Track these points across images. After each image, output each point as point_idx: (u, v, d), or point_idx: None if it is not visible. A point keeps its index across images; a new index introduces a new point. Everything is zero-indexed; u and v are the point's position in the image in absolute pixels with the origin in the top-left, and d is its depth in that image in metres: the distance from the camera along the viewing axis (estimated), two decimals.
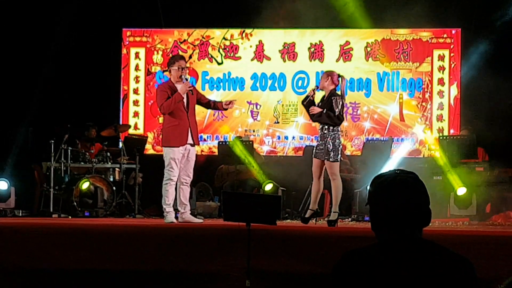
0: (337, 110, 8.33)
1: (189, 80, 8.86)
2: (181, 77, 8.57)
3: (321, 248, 6.12)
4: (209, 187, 11.73)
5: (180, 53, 12.81)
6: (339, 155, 8.45)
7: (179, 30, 12.90)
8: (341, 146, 8.51)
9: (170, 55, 12.84)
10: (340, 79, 8.55)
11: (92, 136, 11.66)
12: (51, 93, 12.23)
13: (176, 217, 8.79)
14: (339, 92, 8.51)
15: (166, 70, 12.85)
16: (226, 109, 9.07)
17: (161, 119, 12.85)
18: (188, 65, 12.78)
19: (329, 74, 8.58)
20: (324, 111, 8.37)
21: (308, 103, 8.56)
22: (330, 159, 8.38)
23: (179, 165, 8.56)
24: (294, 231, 7.73)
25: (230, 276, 5.34)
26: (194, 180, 9.99)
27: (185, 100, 8.55)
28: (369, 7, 12.04)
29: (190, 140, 8.54)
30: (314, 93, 8.61)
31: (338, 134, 8.44)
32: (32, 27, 12.33)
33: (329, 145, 8.35)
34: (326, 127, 8.41)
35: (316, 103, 8.56)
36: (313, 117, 8.60)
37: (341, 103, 8.39)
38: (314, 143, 12.05)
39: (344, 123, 12.51)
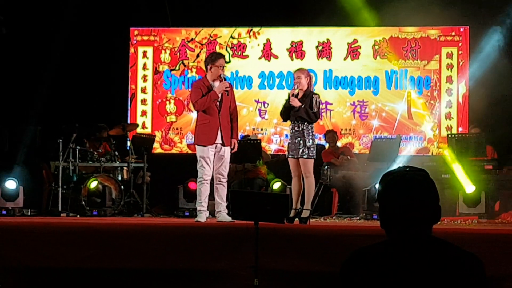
0: (316, 108, 8.34)
1: (228, 80, 8.78)
2: (220, 76, 8.55)
3: (329, 246, 6.11)
4: None
5: (188, 52, 12.84)
6: (314, 152, 8.43)
7: (186, 29, 12.90)
8: (315, 144, 8.49)
9: (178, 54, 12.86)
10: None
11: (103, 136, 11.67)
12: (59, 92, 12.25)
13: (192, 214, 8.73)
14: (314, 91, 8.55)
15: (174, 69, 12.89)
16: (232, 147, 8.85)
17: (168, 119, 12.88)
18: (195, 64, 12.81)
19: (307, 73, 8.58)
20: (303, 106, 8.38)
21: (286, 107, 8.55)
22: (305, 156, 8.37)
23: (211, 164, 8.51)
24: (302, 230, 7.72)
25: (238, 274, 5.33)
26: None
27: (219, 97, 8.52)
28: (377, 5, 12.01)
29: (219, 140, 8.47)
30: (294, 94, 8.60)
31: (312, 132, 8.44)
32: (39, 26, 12.35)
33: (304, 142, 8.35)
34: (301, 123, 8.40)
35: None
36: (291, 112, 8.52)
37: (319, 101, 8.42)
38: (322, 142, 12.09)
39: (352, 121, 12.54)
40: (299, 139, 8.41)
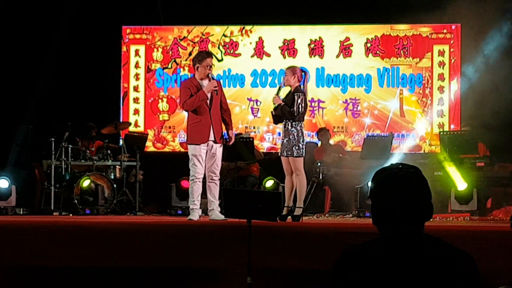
0: (294, 107, 8.35)
1: (215, 78, 8.77)
2: (208, 75, 8.54)
3: (322, 244, 6.12)
4: None
5: (181, 50, 12.83)
6: (303, 150, 8.45)
7: (178, 27, 12.89)
8: (304, 142, 8.51)
9: (170, 53, 12.86)
10: (303, 74, 8.58)
11: (93, 135, 11.65)
12: (51, 91, 12.22)
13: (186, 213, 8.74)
14: (302, 87, 8.53)
15: (166, 68, 12.88)
16: (227, 140, 8.88)
17: (161, 117, 12.87)
18: (188, 62, 12.79)
19: (294, 71, 8.56)
20: (282, 104, 8.43)
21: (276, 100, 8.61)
22: (294, 155, 8.40)
23: (203, 162, 8.52)
24: (295, 227, 7.73)
25: (231, 272, 5.34)
26: None
27: (209, 96, 8.52)
28: (369, 3, 12.03)
29: (212, 137, 8.49)
30: (279, 90, 8.66)
31: (300, 130, 8.45)
32: (32, 25, 12.32)
33: (291, 141, 8.39)
34: (289, 122, 8.45)
35: (282, 98, 8.61)
36: (275, 110, 8.62)
37: (303, 99, 8.41)
38: (314, 140, 12.12)
39: (345, 119, 12.56)
40: (287, 137, 8.45)
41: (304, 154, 8.51)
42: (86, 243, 6.25)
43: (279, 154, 8.69)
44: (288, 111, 8.39)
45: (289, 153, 8.42)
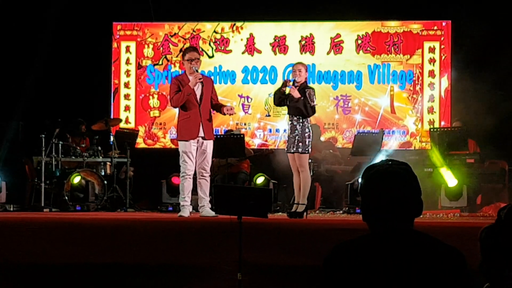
0: (312, 102, 8.37)
1: (199, 71, 8.75)
2: (192, 68, 8.55)
3: (312, 240, 6.13)
4: None
5: (172, 47, 12.81)
6: (309, 147, 8.46)
7: (169, 24, 12.86)
8: (311, 138, 8.52)
9: (161, 49, 12.83)
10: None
11: (82, 131, 11.64)
12: (41, 87, 12.18)
13: (178, 210, 8.76)
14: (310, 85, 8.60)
15: (157, 64, 12.86)
16: (225, 114, 9.00)
17: (152, 113, 12.85)
18: (178, 58, 12.77)
19: (304, 66, 8.64)
20: (302, 98, 8.41)
21: (280, 92, 8.60)
22: (299, 151, 8.41)
23: (193, 159, 8.52)
24: (286, 224, 7.74)
25: (222, 269, 5.34)
26: None
27: (198, 92, 8.51)
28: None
29: (201, 133, 8.50)
30: (287, 85, 8.64)
31: (308, 126, 8.47)
32: (22, 21, 12.28)
33: (298, 137, 8.39)
34: (296, 118, 8.45)
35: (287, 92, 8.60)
36: (290, 101, 8.55)
37: (314, 95, 8.45)
38: None
39: (335, 116, 12.57)
40: (294, 133, 8.45)
41: (310, 151, 8.52)
42: (76, 239, 6.24)
43: (286, 151, 8.68)
44: (311, 107, 8.39)
45: (295, 149, 8.43)
